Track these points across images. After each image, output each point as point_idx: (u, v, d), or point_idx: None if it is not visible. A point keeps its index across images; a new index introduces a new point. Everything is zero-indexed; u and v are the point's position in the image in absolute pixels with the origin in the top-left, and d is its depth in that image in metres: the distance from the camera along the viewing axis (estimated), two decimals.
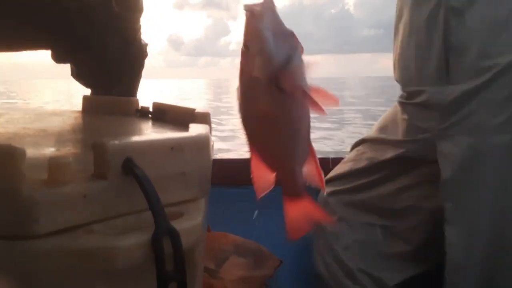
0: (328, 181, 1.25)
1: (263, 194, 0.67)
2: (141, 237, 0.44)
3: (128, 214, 0.48)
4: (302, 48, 0.61)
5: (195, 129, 0.61)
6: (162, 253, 0.45)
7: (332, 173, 1.27)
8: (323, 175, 0.68)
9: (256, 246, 1.40)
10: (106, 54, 1.09)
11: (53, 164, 0.43)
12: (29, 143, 0.63)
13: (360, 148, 1.24)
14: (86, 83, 1.17)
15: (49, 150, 0.58)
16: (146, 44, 1.23)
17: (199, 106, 0.87)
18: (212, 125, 0.81)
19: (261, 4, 0.58)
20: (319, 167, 0.68)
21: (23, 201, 0.40)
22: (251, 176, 0.67)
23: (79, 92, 1.21)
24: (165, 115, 0.92)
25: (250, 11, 0.57)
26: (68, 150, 0.61)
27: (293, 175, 0.69)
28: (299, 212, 0.70)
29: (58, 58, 1.15)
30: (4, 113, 0.91)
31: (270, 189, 0.72)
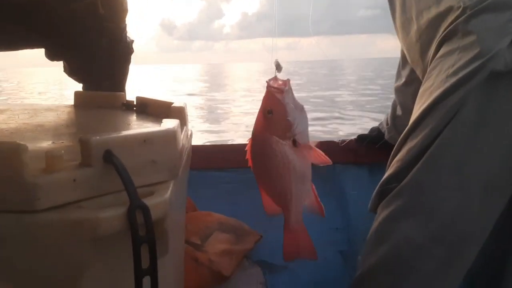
0: None
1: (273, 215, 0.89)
2: (118, 210, 0.56)
3: (109, 194, 0.59)
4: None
5: (166, 124, 0.73)
6: (135, 223, 0.56)
7: None
8: (323, 206, 0.87)
9: (238, 223, 1.53)
10: (95, 53, 1.19)
11: (49, 156, 0.55)
12: (29, 138, 0.75)
13: None
14: (77, 79, 1.27)
15: (46, 143, 0.71)
16: (132, 41, 1.33)
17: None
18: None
19: (284, 82, 0.79)
20: (319, 200, 0.87)
21: (27, 185, 0.52)
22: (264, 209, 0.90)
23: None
24: (147, 108, 1.04)
25: (277, 87, 0.78)
26: (61, 143, 0.73)
27: (297, 212, 0.89)
28: (295, 242, 0.88)
29: (51, 56, 1.26)
30: (6, 109, 1.03)
31: (278, 213, 0.93)
